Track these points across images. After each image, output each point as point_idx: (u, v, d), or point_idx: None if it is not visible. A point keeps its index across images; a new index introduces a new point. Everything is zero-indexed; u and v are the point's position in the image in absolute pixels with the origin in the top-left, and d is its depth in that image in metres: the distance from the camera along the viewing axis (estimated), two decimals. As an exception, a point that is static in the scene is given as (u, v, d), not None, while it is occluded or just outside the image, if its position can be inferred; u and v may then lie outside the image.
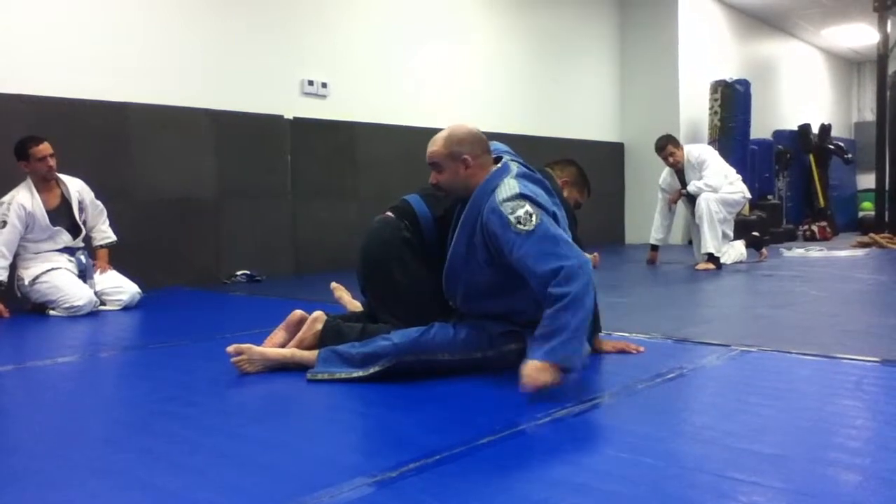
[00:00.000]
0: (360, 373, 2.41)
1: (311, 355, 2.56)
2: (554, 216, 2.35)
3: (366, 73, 6.77)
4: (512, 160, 2.56)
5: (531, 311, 2.42)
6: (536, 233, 2.23)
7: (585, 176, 3.09)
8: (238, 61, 5.85)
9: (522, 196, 2.31)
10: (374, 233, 2.78)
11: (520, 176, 2.43)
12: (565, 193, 2.92)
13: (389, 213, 2.80)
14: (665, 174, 6.53)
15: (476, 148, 2.50)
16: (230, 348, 2.58)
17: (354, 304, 3.23)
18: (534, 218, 2.25)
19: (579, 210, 3.07)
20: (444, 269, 2.56)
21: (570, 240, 2.30)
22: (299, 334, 2.73)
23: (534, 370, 2.11)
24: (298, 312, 2.86)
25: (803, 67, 13.05)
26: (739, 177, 6.48)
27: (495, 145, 2.64)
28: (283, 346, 2.74)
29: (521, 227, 2.25)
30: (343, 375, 2.43)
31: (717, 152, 6.68)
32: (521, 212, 2.27)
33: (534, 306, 2.39)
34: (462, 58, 7.73)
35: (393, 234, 2.72)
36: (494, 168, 2.49)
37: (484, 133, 2.56)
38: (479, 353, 2.46)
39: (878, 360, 2.60)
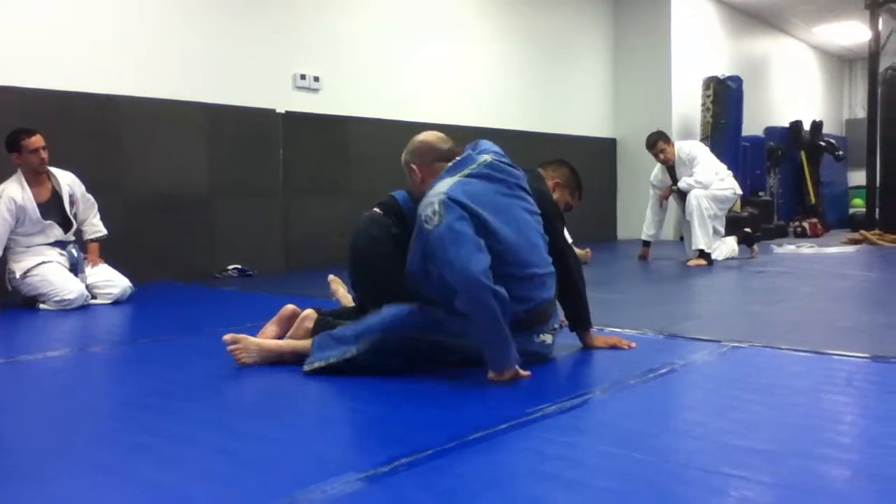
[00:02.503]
0: (353, 350, 2.40)
1: (306, 344, 2.56)
2: (474, 217, 2.31)
3: (359, 67, 6.75)
4: (486, 154, 2.54)
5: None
6: (434, 233, 2.27)
7: (578, 178, 3.05)
8: (230, 54, 5.83)
9: (442, 195, 2.32)
10: (362, 230, 2.78)
11: (470, 176, 2.43)
12: (556, 195, 2.89)
13: (377, 210, 2.80)
14: (656, 170, 6.55)
15: (424, 158, 2.56)
16: (227, 337, 2.60)
17: (348, 299, 3.23)
18: (436, 217, 2.27)
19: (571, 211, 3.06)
20: (408, 281, 2.54)
21: (465, 241, 2.25)
22: (290, 331, 2.75)
23: (496, 378, 2.30)
24: (290, 307, 2.86)
25: (795, 64, 13.09)
26: (730, 173, 6.50)
27: (483, 145, 2.63)
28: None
29: (426, 225, 2.30)
30: (336, 358, 2.42)
31: (707, 149, 6.71)
32: (429, 210, 2.31)
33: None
34: (456, 53, 7.72)
35: (381, 231, 2.73)
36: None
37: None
38: (466, 340, 2.42)
39: (868, 357, 2.61)
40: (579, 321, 2.80)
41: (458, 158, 2.53)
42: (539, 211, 2.58)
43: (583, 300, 2.77)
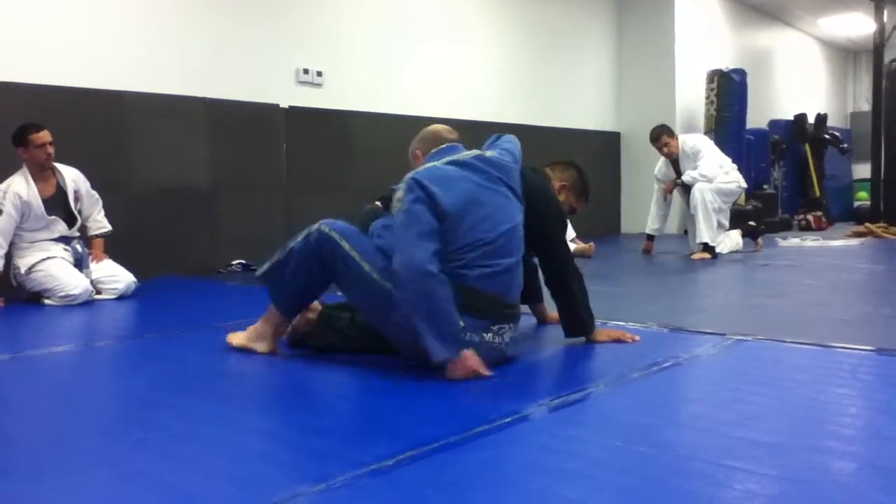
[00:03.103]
0: (291, 244, 2.66)
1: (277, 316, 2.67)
2: (431, 198, 2.30)
3: (361, 62, 6.74)
4: (489, 151, 2.59)
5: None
6: (397, 219, 2.35)
7: (585, 182, 2.98)
8: (233, 49, 5.82)
9: (410, 176, 2.39)
10: (361, 223, 2.79)
11: (451, 163, 2.46)
12: (561, 197, 2.86)
13: (378, 203, 2.82)
14: (660, 164, 6.53)
15: (427, 145, 2.68)
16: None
17: None
18: (400, 203, 2.34)
19: (575, 214, 3.03)
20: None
21: (415, 225, 2.27)
22: (293, 322, 2.76)
23: (450, 375, 2.25)
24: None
25: (800, 57, 13.04)
26: (735, 166, 6.48)
27: (503, 143, 2.65)
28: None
29: (394, 211, 2.40)
30: (279, 256, 2.70)
31: (712, 142, 6.69)
32: (397, 195, 2.39)
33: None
34: (459, 47, 7.69)
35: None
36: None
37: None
38: (388, 285, 2.36)
39: (872, 349, 2.61)
40: (580, 329, 2.76)
41: (444, 146, 2.60)
42: (522, 206, 2.55)
43: (581, 308, 2.73)
